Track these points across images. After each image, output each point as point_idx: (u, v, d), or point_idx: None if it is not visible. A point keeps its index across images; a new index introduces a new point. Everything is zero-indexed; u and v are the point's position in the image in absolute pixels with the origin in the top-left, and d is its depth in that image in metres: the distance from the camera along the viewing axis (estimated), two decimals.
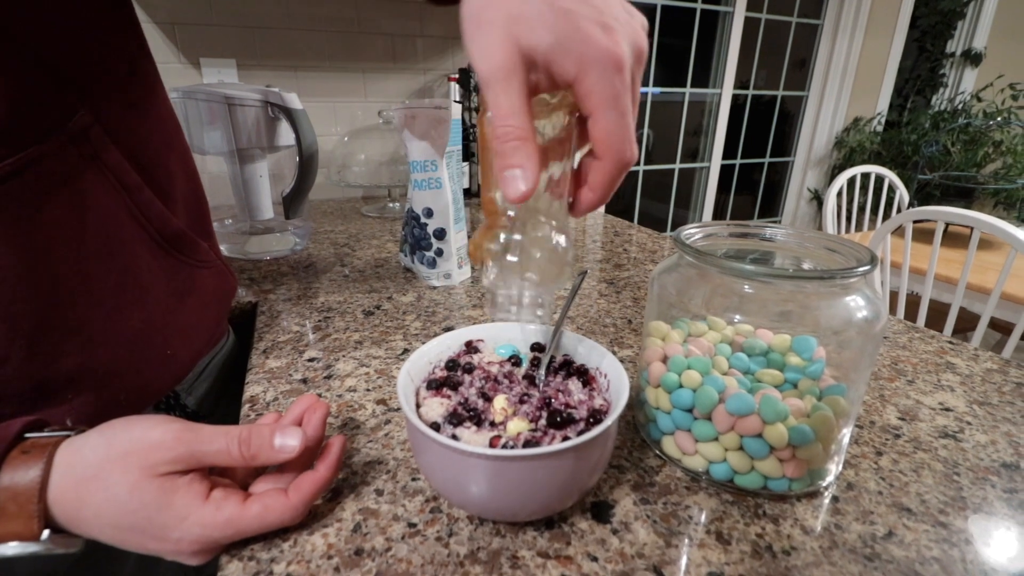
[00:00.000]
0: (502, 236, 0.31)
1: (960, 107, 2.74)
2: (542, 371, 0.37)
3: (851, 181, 2.23)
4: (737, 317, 0.36)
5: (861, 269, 0.31)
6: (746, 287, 0.34)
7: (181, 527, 0.28)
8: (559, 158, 0.30)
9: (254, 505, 0.30)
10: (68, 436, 0.30)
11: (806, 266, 0.39)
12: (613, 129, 0.27)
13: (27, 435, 0.30)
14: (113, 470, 0.28)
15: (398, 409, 0.44)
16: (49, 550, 0.28)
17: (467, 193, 1.39)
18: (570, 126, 0.30)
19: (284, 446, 0.31)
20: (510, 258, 0.31)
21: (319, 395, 0.47)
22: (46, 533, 0.28)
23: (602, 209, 2.15)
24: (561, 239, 0.31)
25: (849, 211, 2.28)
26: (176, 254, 0.45)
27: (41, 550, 0.28)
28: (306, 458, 0.34)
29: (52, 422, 0.32)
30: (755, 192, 2.86)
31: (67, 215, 0.35)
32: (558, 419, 0.32)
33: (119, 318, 0.39)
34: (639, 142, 2.41)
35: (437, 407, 0.33)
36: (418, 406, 0.34)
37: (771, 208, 2.93)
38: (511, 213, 0.31)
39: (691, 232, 0.39)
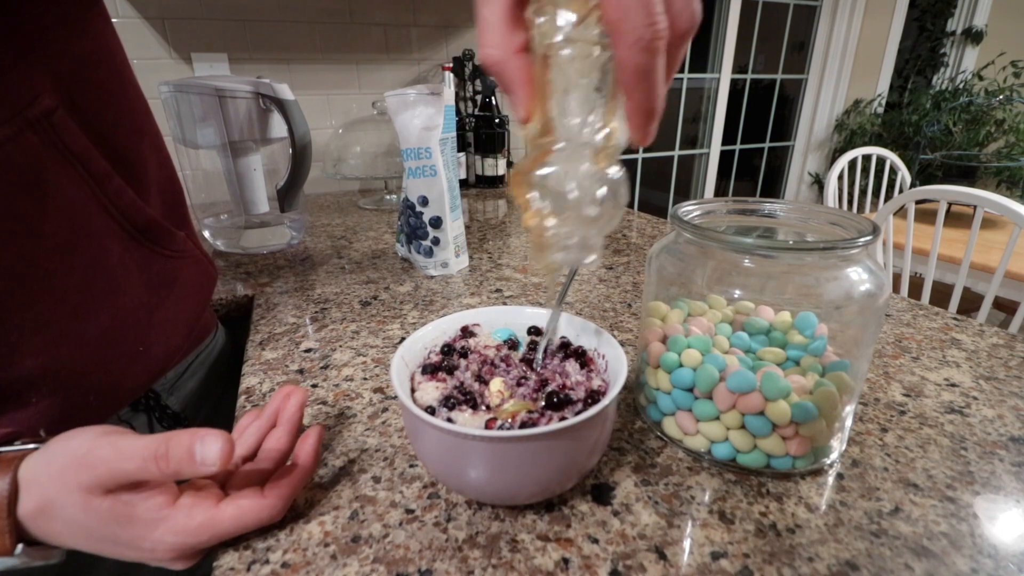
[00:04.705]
0: (547, 169, 0.26)
1: (961, 86, 2.71)
2: (539, 354, 0.36)
3: (852, 164, 2.21)
4: (737, 293, 0.35)
5: (862, 240, 0.30)
6: (746, 261, 0.34)
7: (152, 537, 0.27)
8: (594, 75, 0.24)
9: (228, 507, 0.28)
10: (36, 448, 0.29)
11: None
12: None
13: None
14: (59, 491, 0.27)
15: (395, 397, 0.44)
16: (27, 563, 0.27)
17: (464, 183, 1.38)
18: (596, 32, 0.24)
19: (204, 459, 0.26)
20: (567, 193, 0.26)
21: (315, 385, 0.46)
22: (20, 547, 0.27)
23: None
24: (613, 171, 0.26)
25: (851, 194, 2.26)
26: (150, 245, 0.42)
27: (19, 564, 0.27)
28: (285, 445, 0.33)
29: (25, 432, 0.31)
30: (755, 177, 2.84)
31: (26, 207, 0.33)
32: (555, 400, 0.31)
33: (85, 315, 0.37)
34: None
35: (432, 391, 0.33)
36: (413, 391, 0.33)
37: (772, 193, 2.91)
38: (558, 146, 0.26)
39: (689, 209, 0.38)
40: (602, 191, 0.26)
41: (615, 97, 0.25)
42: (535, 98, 0.24)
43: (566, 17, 0.23)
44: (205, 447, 0.26)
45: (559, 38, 0.24)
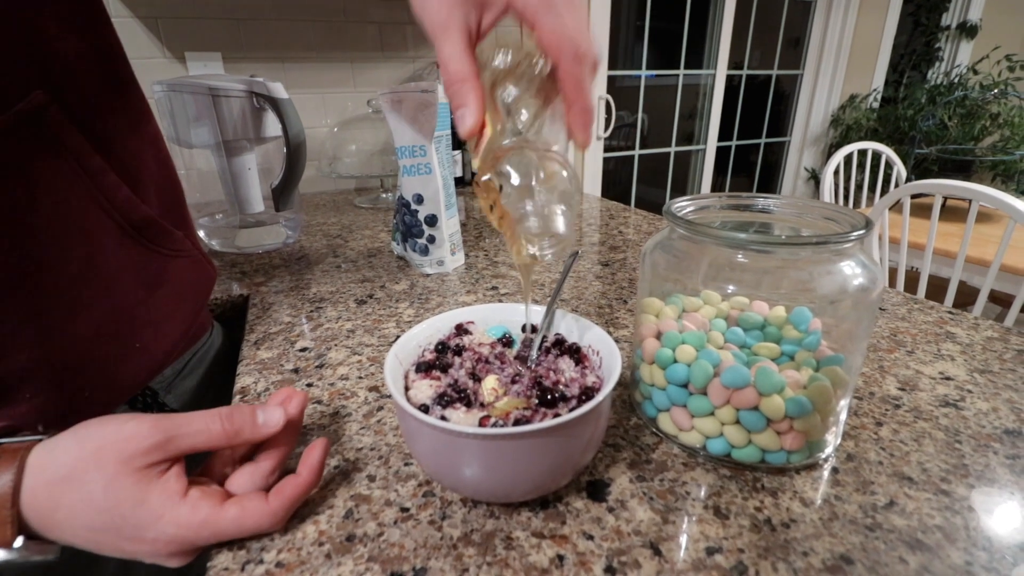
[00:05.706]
0: (504, 165, 0.31)
1: (956, 80, 2.71)
2: (534, 351, 0.36)
3: (848, 159, 2.21)
4: (732, 288, 0.35)
5: (856, 234, 0.30)
6: (740, 257, 0.33)
7: (156, 526, 0.27)
8: (530, 90, 0.32)
9: (232, 508, 0.29)
10: (41, 439, 0.29)
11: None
12: (555, 27, 0.28)
13: None
14: (88, 467, 0.27)
15: (391, 396, 0.44)
16: (24, 557, 0.27)
17: (459, 182, 1.38)
18: (529, 55, 0.32)
19: (267, 420, 0.32)
20: (515, 176, 0.31)
21: (310, 384, 0.46)
22: (20, 540, 0.27)
23: (598, 192, 2.13)
24: (557, 166, 0.31)
25: (847, 189, 2.26)
26: (146, 243, 0.42)
27: (16, 557, 0.27)
28: (286, 446, 0.33)
29: (24, 427, 0.31)
30: (752, 173, 2.85)
31: (19, 201, 0.33)
32: (549, 397, 0.31)
33: (79, 310, 0.37)
34: (635, 126, 2.40)
35: (426, 389, 0.33)
36: (407, 389, 0.33)
37: (768, 189, 2.92)
38: (506, 142, 0.32)
39: (682, 205, 0.38)
40: (551, 167, 0.31)
41: (545, 107, 0.32)
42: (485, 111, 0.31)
43: (508, 54, 0.32)
44: (268, 411, 0.32)
45: (503, 66, 0.32)
